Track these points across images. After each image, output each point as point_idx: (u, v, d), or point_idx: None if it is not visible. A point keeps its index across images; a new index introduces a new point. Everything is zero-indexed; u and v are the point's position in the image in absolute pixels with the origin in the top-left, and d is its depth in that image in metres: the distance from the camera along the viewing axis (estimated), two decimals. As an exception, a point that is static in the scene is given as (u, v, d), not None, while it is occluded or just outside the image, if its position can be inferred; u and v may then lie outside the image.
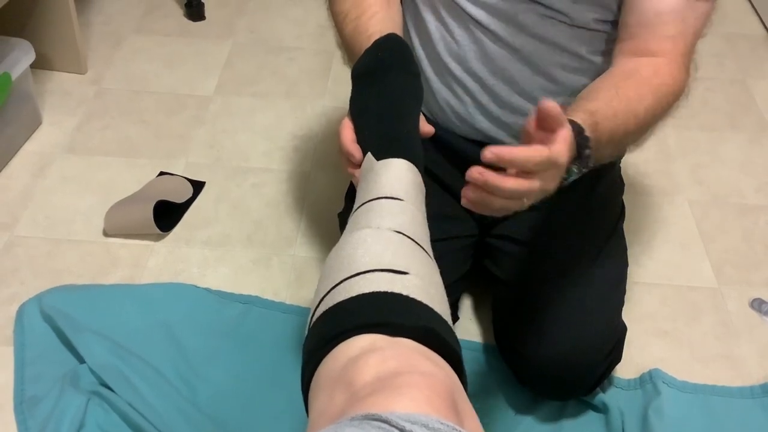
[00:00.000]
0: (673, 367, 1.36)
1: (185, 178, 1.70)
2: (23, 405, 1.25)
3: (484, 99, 1.22)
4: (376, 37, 1.03)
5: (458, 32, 1.19)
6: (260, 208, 1.66)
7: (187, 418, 1.22)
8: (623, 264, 1.33)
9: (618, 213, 1.38)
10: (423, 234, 0.82)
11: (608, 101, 0.98)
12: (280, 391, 1.29)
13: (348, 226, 0.83)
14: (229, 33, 2.20)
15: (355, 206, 0.86)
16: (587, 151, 0.90)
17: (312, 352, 0.66)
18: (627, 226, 1.40)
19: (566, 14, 1.12)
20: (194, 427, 1.21)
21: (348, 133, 0.97)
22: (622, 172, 1.44)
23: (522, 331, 1.24)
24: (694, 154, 1.86)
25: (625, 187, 1.44)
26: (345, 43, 1.13)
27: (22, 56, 1.71)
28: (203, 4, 2.25)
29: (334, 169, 1.66)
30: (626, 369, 1.35)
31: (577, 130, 0.89)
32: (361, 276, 0.70)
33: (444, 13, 1.19)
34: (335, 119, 1.88)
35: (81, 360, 1.30)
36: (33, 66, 1.77)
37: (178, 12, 2.27)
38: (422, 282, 0.71)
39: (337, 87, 2.01)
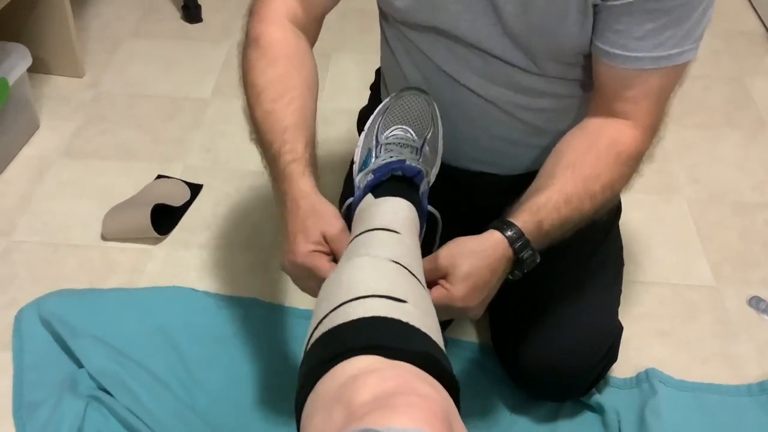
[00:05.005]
0: (670, 366, 1.36)
1: (183, 181, 1.70)
2: (22, 410, 1.25)
3: (463, 143, 1.21)
4: (291, 131, 0.99)
5: (434, 81, 1.16)
6: (258, 211, 1.66)
7: (186, 423, 1.23)
8: (619, 263, 1.33)
9: (614, 212, 1.38)
10: (418, 267, 0.84)
11: (561, 187, 1.00)
12: (278, 395, 1.29)
13: (345, 254, 0.85)
14: (226, 35, 2.20)
15: (352, 236, 0.88)
16: (528, 253, 0.96)
17: (310, 372, 0.66)
18: (624, 226, 1.40)
19: (534, 72, 1.10)
20: None
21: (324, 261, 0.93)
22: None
23: (518, 332, 1.24)
24: (691, 153, 1.86)
25: (622, 186, 1.44)
26: (254, 124, 1.04)
27: (19, 61, 1.71)
28: (200, 6, 2.25)
29: (330, 171, 1.66)
30: (623, 368, 1.35)
31: (514, 237, 0.95)
32: (360, 301, 0.71)
33: (419, 61, 1.16)
34: (332, 122, 1.88)
35: (79, 365, 1.30)
36: (30, 70, 1.77)
37: (176, 15, 2.28)
38: (419, 312, 0.72)
39: (334, 90, 2.01)
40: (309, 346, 0.72)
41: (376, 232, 0.86)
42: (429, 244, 0.99)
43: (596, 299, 1.25)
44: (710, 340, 1.44)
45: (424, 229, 0.97)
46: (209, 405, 1.28)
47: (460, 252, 0.93)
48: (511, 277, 0.99)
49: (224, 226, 1.62)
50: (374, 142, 1.02)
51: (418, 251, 0.88)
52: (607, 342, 1.23)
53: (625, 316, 1.30)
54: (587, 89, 1.13)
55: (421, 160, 1.01)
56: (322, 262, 0.91)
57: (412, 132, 1.03)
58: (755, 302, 1.50)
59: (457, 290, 0.91)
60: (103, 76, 2.02)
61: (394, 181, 0.96)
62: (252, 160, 1.80)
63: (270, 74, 1.03)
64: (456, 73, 1.13)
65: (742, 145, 1.89)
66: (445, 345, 1.38)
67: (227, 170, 1.75)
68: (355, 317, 0.69)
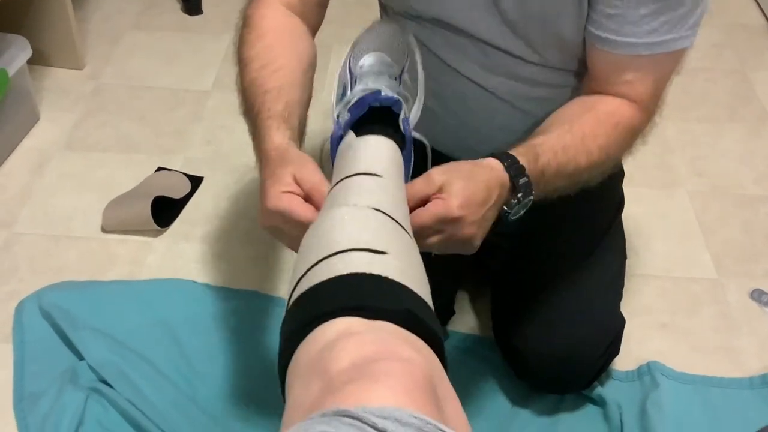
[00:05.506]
0: (672, 359, 1.36)
1: (183, 173, 1.70)
2: (23, 402, 1.25)
3: (463, 134, 1.20)
4: (272, 93, 0.98)
5: (434, 72, 1.15)
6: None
7: (186, 415, 1.23)
8: (621, 257, 1.33)
9: (616, 204, 1.37)
10: (402, 212, 0.81)
11: (560, 135, 0.99)
12: (278, 386, 1.29)
13: (325, 204, 0.82)
14: (227, 27, 2.18)
15: (333, 183, 0.85)
16: (523, 180, 0.92)
17: (289, 337, 0.64)
18: (626, 219, 1.40)
19: (534, 61, 1.10)
20: (193, 424, 1.22)
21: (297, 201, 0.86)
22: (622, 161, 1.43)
23: (520, 325, 1.24)
24: (694, 146, 1.86)
25: (624, 179, 1.43)
26: (242, 91, 1.04)
27: (18, 52, 1.71)
28: (201, -2, 2.25)
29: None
30: (625, 361, 1.34)
31: (510, 162, 0.92)
32: (338, 256, 0.68)
33: (421, 53, 1.15)
34: (333, 113, 1.88)
35: (80, 357, 1.30)
36: (30, 62, 1.77)
37: (176, 7, 2.27)
38: (401, 263, 0.70)
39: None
40: (289, 306, 0.70)
41: (356, 177, 0.83)
42: (421, 172, 0.93)
43: (598, 292, 1.24)
44: (712, 333, 1.43)
45: (412, 159, 0.94)
46: (210, 396, 1.28)
47: (456, 168, 0.90)
48: (506, 209, 0.94)
49: (225, 219, 1.62)
50: (348, 75, 0.99)
51: (402, 194, 0.85)
52: (609, 335, 1.23)
53: (627, 309, 1.29)
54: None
55: (401, 86, 0.97)
56: (295, 203, 0.85)
57: (388, 58, 1.00)
58: (757, 295, 1.50)
59: (454, 199, 0.85)
60: (103, 69, 2.02)
61: (373, 114, 0.91)
62: (252, 152, 1.79)
63: (258, 47, 1.04)
64: (456, 63, 1.13)
65: (745, 138, 1.89)
66: (447, 337, 1.38)
67: (228, 163, 1.75)
68: (332, 275, 0.66)
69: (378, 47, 1.02)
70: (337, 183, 0.84)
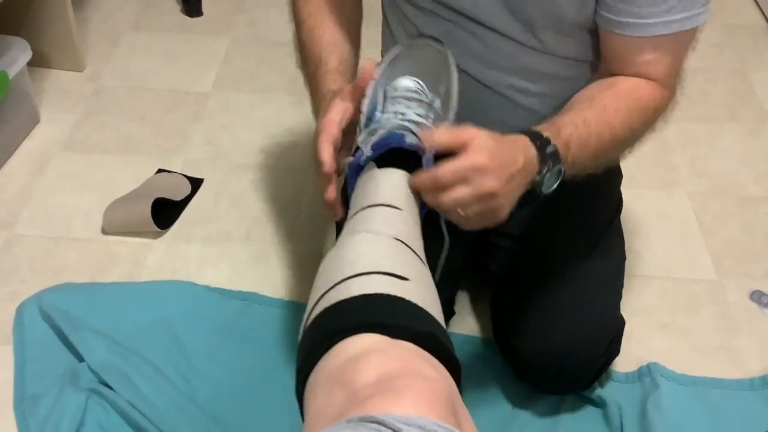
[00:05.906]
0: (672, 360, 1.36)
1: (183, 175, 1.70)
2: (24, 404, 1.25)
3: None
4: (326, 49, 1.10)
5: None
6: (259, 204, 1.66)
7: (187, 416, 1.23)
8: (621, 257, 1.33)
9: (615, 205, 1.37)
10: (418, 244, 0.83)
11: (580, 110, 1.01)
12: (279, 387, 1.29)
13: (345, 230, 0.84)
14: (226, 28, 2.20)
15: (353, 211, 0.87)
16: (550, 149, 0.94)
17: (310, 350, 0.65)
18: (626, 219, 1.40)
19: (533, 46, 1.10)
20: (194, 425, 1.22)
21: (328, 137, 0.94)
22: (620, 163, 1.43)
23: (519, 326, 1.24)
24: (694, 146, 1.86)
25: (624, 180, 1.43)
26: (299, 48, 1.17)
27: (19, 54, 1.71)
28: (201, 0, 2.25)
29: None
30: (625, 362, 1.34)
31: (534, 135, 0.94)
32: (362, 277, 0.69)
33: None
34: (333, 114, 1.88)
35: (80, 359, 1.30)
36: (30, 64, 1.77)
37: (176, 8, 2.27)
38: (421, 290, 0.71)
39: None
40: (308, 323, 0.71)
41: (377, 208, 0.85)
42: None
43: (598, 293, 1.24)
44: (712, 334, 1.43)
45: None
46: (210, 397, 1.28)
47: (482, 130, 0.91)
48: (538, 179, 0.94)
49: (225, 220, 1.62)
50: (381, 94, 1.01)
51: (418, 228, 0.87)
52: (608, 335, 1.23)
53: (627, 309, 1.29)
54: (586, 70, 1.13)
55: (431, 116, 0.98)
56: (324, 143, 0.93)
57: (423, 84, 1.01)
58: (757, 296, 1.50)
59: (480, 149, 0.86)
60: (103, 70, 2.02)
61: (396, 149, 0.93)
62: (253, 153, 1.80)
63: (308, 8, 1.17)
64: (456, 58, 1.13)
65: (745, 138, 1.89)
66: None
67: (228, 163, 1.75)
68: (356, 294, 0.68)
69: (415, 72, 1.02)
70: (358, 211, 0.85)
